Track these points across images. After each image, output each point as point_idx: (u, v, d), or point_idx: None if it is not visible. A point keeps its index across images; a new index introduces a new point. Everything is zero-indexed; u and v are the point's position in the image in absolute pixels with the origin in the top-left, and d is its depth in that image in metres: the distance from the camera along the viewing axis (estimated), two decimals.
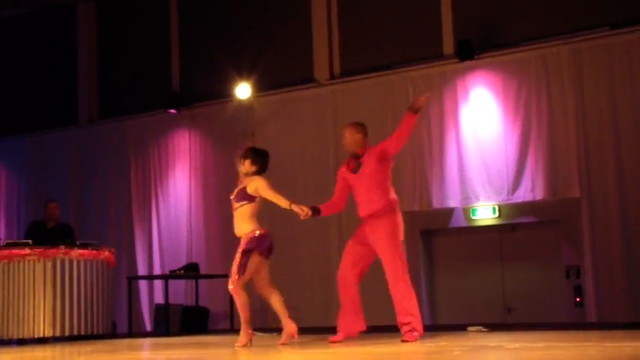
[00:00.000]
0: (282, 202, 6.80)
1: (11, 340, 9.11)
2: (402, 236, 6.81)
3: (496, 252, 10.85)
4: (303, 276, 11.14)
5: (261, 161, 7.03)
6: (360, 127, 6.91)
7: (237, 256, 6.80)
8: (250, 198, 6.90)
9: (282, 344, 6.85)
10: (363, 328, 7.00)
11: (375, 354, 5.62)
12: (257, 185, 6.89)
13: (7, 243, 9.44)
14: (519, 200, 10.14)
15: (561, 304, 10.25)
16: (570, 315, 10.09)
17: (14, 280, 9.09)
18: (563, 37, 10.07)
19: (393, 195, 6.85)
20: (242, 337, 6.86)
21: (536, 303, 10.41)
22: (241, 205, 6.91)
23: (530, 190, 9.99)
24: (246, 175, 7.01)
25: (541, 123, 10.04)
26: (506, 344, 6.06)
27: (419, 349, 5.88)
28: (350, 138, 6.88)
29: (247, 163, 7.01)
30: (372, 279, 10.97)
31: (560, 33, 10.11)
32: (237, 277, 6.76)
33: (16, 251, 9.12)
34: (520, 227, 10.73)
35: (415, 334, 6.56)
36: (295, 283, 11.12)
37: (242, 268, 6.76)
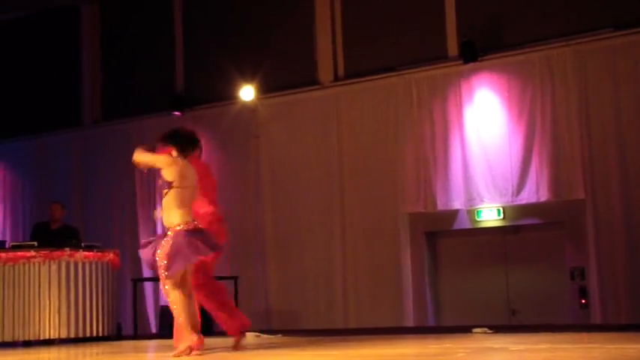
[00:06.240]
0: None
1: (17, 342, 9.12)
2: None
3: (500, 254, 10.83)
4: (307, 278, 11.13)
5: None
6: None
7: None
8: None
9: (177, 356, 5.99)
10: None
11: (378, 356, 5.61)
12: None
13: (12, 245, 9.45)
14: (524, 202, 10.14)
15: (566, 305, 10.22)
16: (575, 317, 10.06)
17: (20, 283, 9.10)
18: (567, 38, 10.06)
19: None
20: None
21: (540, 305, 10.39)
22: None
23: (535, 192, 9.99)
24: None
25: (545, 124, 10.03)
26: (510, 346, 6.06)
27: (423, 352, 5.88)
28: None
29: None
30: (372, 279, 11.06)
31: (564, 34, 10.11)
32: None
33: (21, 254, 9.12)
34: (524, 229, 10.70)
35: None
36: (299, 285, 11.13)
37: None
